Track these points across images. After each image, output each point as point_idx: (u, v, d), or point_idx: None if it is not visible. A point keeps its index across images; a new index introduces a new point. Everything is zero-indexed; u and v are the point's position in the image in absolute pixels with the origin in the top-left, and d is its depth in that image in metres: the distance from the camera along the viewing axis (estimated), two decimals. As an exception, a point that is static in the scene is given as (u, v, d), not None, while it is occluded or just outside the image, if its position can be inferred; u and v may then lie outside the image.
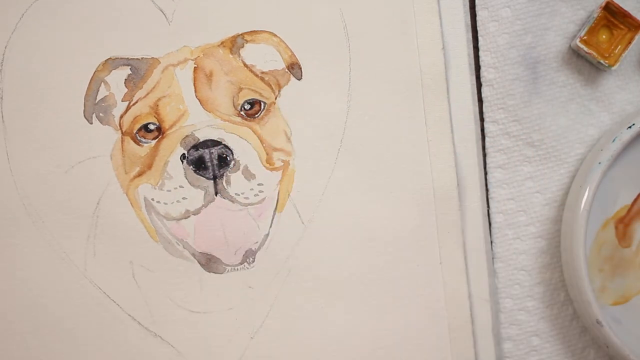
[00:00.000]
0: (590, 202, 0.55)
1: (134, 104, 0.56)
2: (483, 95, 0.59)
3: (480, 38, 0.59)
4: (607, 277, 0.59)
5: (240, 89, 0.56)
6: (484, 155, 0.59)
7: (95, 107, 0.56)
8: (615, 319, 0.58)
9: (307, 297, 0.58)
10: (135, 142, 0.56)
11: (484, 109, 0.59)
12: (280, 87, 0.57)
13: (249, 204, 0.56)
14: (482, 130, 0.59)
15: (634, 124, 0.55)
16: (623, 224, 0.59)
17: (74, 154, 0.56)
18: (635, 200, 0.59)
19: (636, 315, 0.59)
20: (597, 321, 0.55)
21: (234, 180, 0.56)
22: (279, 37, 0.56)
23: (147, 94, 0.56)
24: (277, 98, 0.57)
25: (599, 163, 0.55)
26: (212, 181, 0.55)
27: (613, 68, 0.57)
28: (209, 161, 0.55)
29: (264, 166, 0.56)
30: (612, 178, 0.58)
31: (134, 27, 0.56)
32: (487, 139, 0.59)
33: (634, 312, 0.59)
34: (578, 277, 0.55)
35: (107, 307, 0.57)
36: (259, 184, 0.56)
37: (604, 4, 0.56)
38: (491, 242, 0.60)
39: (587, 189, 0.55)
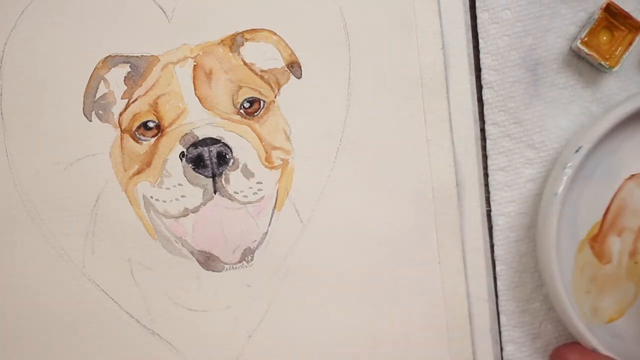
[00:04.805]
0: (556, 235, 0.54)
1: (133, 102, 0.56)
2: (484, 97, 0.59)
3: (480, 40, 0.59)
4: (596, 298, 0.59)
5: (240, 87, 0.56)
6: (485, 158, 0.59)
7: (94, 105, 0.56)
8: (616, 335, 0.58)
9: (305, 296, 0.58)
10: (134, 139, 0.56)
11: (485, 111, 0.59)
12: (279, 86, 0.57)
13: (248, 203, 0.56)
14: (483, 132, 0.59)
15: (580, 147, 0.55)
16: (597, 242, 0.59)
17: (73, 151, 0.56)
18: (605, 215, 0.59)
19: (636, 326, 0.59)
20: (594, 349, 0.55)
21: (233, 179, 0.56)
22: (278, 36, 0.57)
23: (147, 91, 0.56)
24: (277, 96, 0.57)
25: (555, 194, 0.55)
26: (211, 179, 0.55)
27: (614, 69, 0.57)
28: (208, 159, 0.55)
29: (263, 165, 0.56)
30: (573, 202, 0.58)
31: (133, 24, 0.56)
32: (488, 142, 0.59)
33: (632, 323, 0.59)
34: (564, 310, 0.55)
35: (105, 305, 0.57)
36: (258, 183, 0.56)
37: (604, 5, 0.56)
38: (493, 245, 0.60)
39: (551, 223, 0.54)
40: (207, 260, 0.57)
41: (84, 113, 0.56)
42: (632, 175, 0.59)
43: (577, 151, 0.54)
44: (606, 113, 0.55)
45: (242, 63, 0.56)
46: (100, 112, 0.56)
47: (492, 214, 0.60)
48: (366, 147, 0.57)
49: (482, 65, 0.59)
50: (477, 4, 0.58)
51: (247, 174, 0.56)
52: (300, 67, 0.57)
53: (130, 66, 0.56)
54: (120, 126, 0.56)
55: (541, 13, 0.58)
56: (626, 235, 0.59)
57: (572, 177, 0.55)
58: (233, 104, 0.56)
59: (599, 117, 0.56)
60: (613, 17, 0.57)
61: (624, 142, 0.58)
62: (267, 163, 0.56)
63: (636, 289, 0.59)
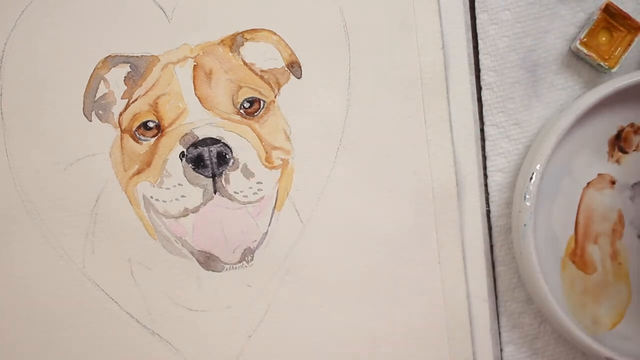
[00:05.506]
0: (538, 262, 0.55)
1: (133, 102, 0.56)
2: (483, 98, 0.59)
3: (480, 41, 0.59)
4: (593, 308, 0.59)
5: (240, 87, 0.56)
6: (485, 159, 0.59)
7: (94, 105, 0.56)
8: (624, 338, 0.58)
9: (305, 296, 0.58)
10: (134, 139, 0.56)
11: (484, 112, 0.59)
12: (279, 86, 0.57)
13: (248, 203, 0.56)
14: (482, 133, 0.59)
15: (533, 173, 0.55)
16: (577, 255, 0.59)
17: (73, 151, 0.56)
18: (576, 227, 0.59)
19: (639, 324, 0.59)
20: (607, 358, 0.55)
21: (233, 179, 0.56)
22: (278, 36, 0.57)
23: (147, 91, 0.56)
24: (277, 96, 0.57)
25: (524, 225, 0.55)
26: (211, 179, 0.55)
27: (613, 70, 0.57)
28: (208, 159, 0.55)
29: (263, 165, 0.56)
30: (544, 226, 0.58)
31: (134, 24, 0.56)
32: (487, 142, 0.59)
33: (635, 321, 0.59)
34: (568, 332, 0.55)
35: (105, 305, 0.57)
36: (258, 183, 0.56)
37: (603, 6, 0.56)
38: (492, 246, 0.59)
39: (529, 253, 0.55)
40: (207, 260, 0.57)
41: (84, 113, 0.56)
42: (589, 183, 0.59)
43: (531, 179, 0.55)
44: (547, 134, 0.55)
45: (242, 63, 0.56)
46: (100, 112, 0.56)
47: (491, 215, 0.59)
48: (366, 147, 0.57)
49: (481, 66, 0.59)
50: (476, 4, 0.58)
51: (247, 174, 0.56)
52: (300, 67, 0.57)
53: (130, 66, 0.56)
54: (120, 126, 0.56)
55: (540, 14, 0.58)
56: (602, 241, 0.59)
57: (535, 204, 0.55)
58: (233, 104, 0.56)
59: (542, 138, 0.56)
60: (612, 18, 0.57)
61: (573, 155, 0.58)
62: (267, 163, 0.56)
63: (627, 289, 0.59)
